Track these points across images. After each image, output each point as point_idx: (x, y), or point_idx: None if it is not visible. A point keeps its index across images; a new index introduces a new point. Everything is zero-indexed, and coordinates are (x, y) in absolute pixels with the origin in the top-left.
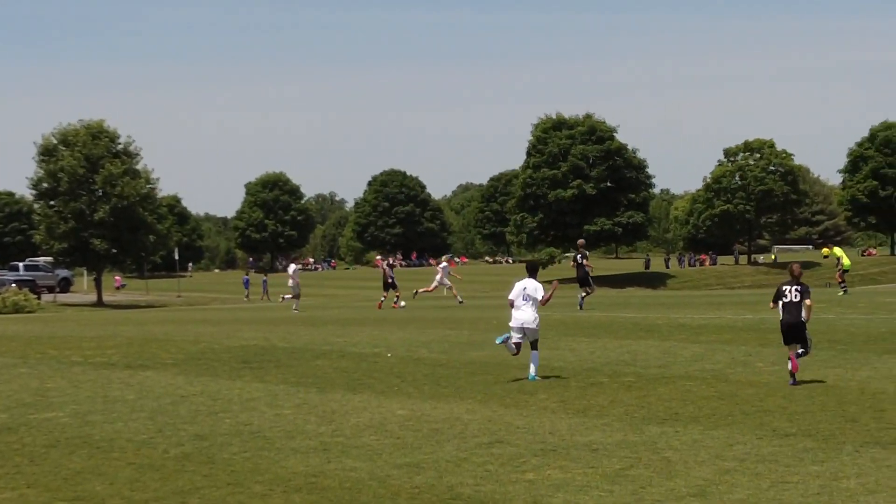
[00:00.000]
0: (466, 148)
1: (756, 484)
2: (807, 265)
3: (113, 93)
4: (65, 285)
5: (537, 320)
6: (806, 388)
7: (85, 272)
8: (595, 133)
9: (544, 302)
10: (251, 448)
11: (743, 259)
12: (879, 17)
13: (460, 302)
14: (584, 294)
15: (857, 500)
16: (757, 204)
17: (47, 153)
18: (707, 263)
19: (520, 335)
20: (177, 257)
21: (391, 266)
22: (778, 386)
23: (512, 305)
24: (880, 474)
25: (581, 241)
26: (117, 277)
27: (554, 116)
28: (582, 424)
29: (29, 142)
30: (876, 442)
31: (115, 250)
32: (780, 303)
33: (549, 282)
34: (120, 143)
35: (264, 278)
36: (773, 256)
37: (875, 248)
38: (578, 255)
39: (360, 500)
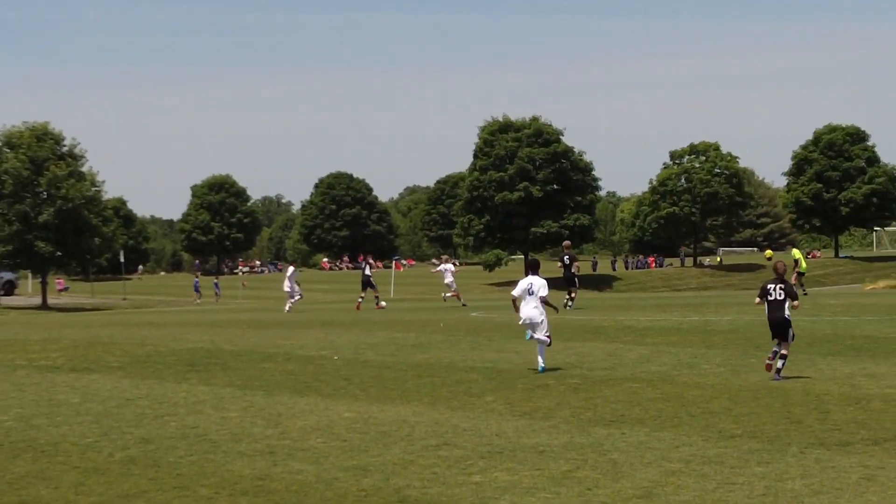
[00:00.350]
0: (413, 150)
1: (702, 485)
2: (750, 267)
3: (57, 95)
4: (9, 288)
5: (543, 314)
6: (751, 390)
7: (29, 275)
8: (541, 136)
9: (545, 301)
10: (197, 451)
11: (689, 261)
12: (823, 21)
13: (445, 298)
14: (569, 296)
15: (801, 501)
16: (702, 206)
17: None
18: (653, 265)
19: (531, 329)
20: (122, 260)
21: (369, 265)
22: (723, 388)
23: (515, 302)
24: (825, 475)
25: (567, 242)
26: (59, 280)
27: (500, 119)
28: (528, 426)
29: None
30: (820, 443)
31: (59, 253)
32: (766, 300)
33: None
34: (65, 146)
35: (215, 281)
36: (718, 259)
37: (819, 250)
38: (566, 257)
39: (307, 502)
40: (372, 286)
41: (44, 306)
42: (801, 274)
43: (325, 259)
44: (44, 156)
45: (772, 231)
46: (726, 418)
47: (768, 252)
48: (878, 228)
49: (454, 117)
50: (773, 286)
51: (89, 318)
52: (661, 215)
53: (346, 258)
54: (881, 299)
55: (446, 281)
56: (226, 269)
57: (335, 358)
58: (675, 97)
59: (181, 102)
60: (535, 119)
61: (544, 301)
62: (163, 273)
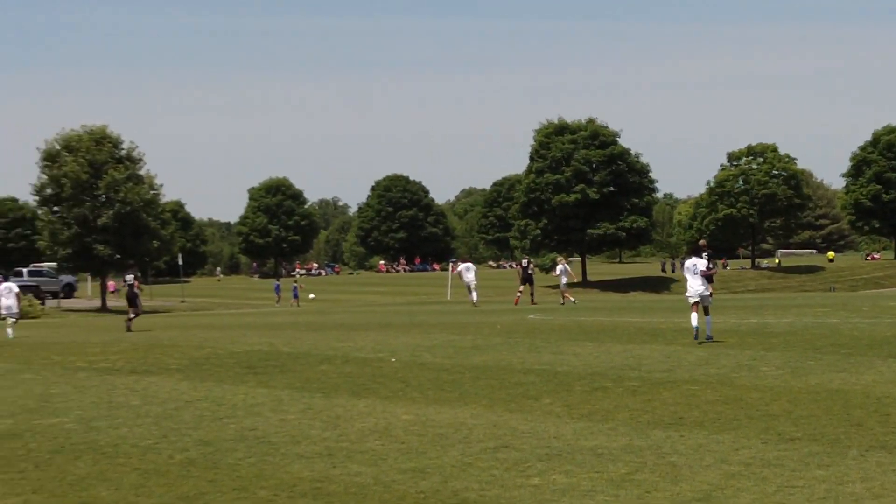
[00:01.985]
0: (469, 152)
1: (761, 488)
2: (809, 269)
3: (115, 97)
4: (69, 291)
5: (709, 289)
6: (811, 393)
7: (89, 278)
8: (598, 138)
9: (705, 274)
10: (256, 453)
11: (746, 263)
12: (881, 21)
13: (570, 302)
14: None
15: None
16: (760, 208)
17: (50, 159)
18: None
19: (696, 300)
20: (180, 262)
21: (529, 263)
22: (783, 390)
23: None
24: (886, 478)
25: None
26: (111, 283)
27: (556, 121)
28: (587, 429)
29: (32, 147)
30: (881, 446)
31: (118, 255)
32: None
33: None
34: (123, 149)
35: (294, 283)
36: (776, 261)
37: (878, 252)
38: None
39: None
40: (531, 281)
41: (103, 309)
42: None
43: (382, 261)
44: (102, 159)
45: (830, 233)
46: (786, 421)
47: (830, 254)
48: None
49: (510, 119)
50: None
51: (148, 320)
52: (718, 217)
53: (402, 260)
54: None
55: (563, 280)
56: (283, 272)
57: (392, 360)
58: (733, 98)
59: (238, 105)
60: (591, 121)
61: (706, 276)
62: (220, 276)
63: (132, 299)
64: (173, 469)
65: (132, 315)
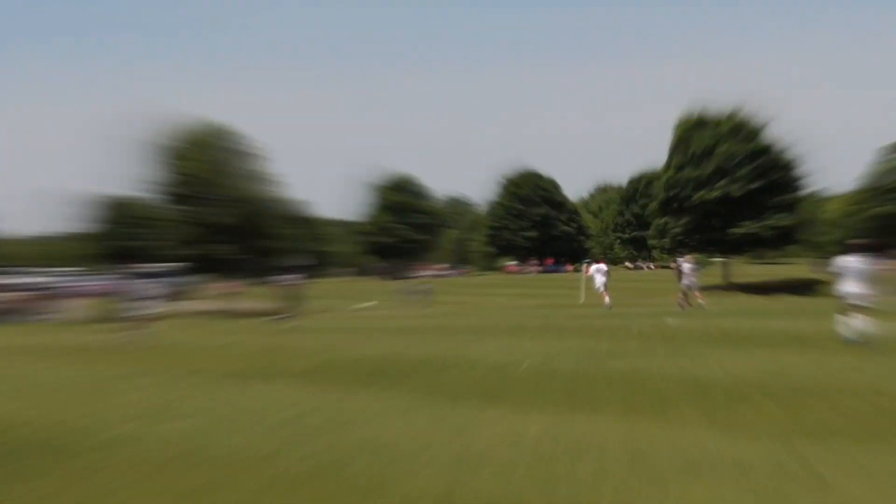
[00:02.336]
0: (604, 147)
1: None
2: None
3: (239, 96)
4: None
5: (867, 292)
6: None
7: (211, 278)
8: (742, 132)
9: (866, 276)
10: (380, 461)
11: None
12: None
13: (698, 306)
14: None
15: None
16: None
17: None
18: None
19: (854, 303)
20: (305, 262)
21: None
22: None
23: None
24: None
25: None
26: (233, 284)
27: (697, 114)
28: (728, 439)
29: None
30: None
31: (241, 255)
32: None
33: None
34: (246, 147)
35: (428, 284)
36: None
37: None
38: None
39: None
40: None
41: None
42: None
43: (513, 262)
44: (225, 157)
45: None
46: None
47: None
48: None
49: (646, 112)
50: None
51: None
52: (871, 214)
53: (534, 260)
54: None
55: (685, 282)
56: (411, 273)
57: (523, 366)
58: (886, 90)
59: (366, 103)
60: (734, 114)
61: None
62: (348, 277)
63: (294, 299)
64: (294, 476)
65: (286, 315)
